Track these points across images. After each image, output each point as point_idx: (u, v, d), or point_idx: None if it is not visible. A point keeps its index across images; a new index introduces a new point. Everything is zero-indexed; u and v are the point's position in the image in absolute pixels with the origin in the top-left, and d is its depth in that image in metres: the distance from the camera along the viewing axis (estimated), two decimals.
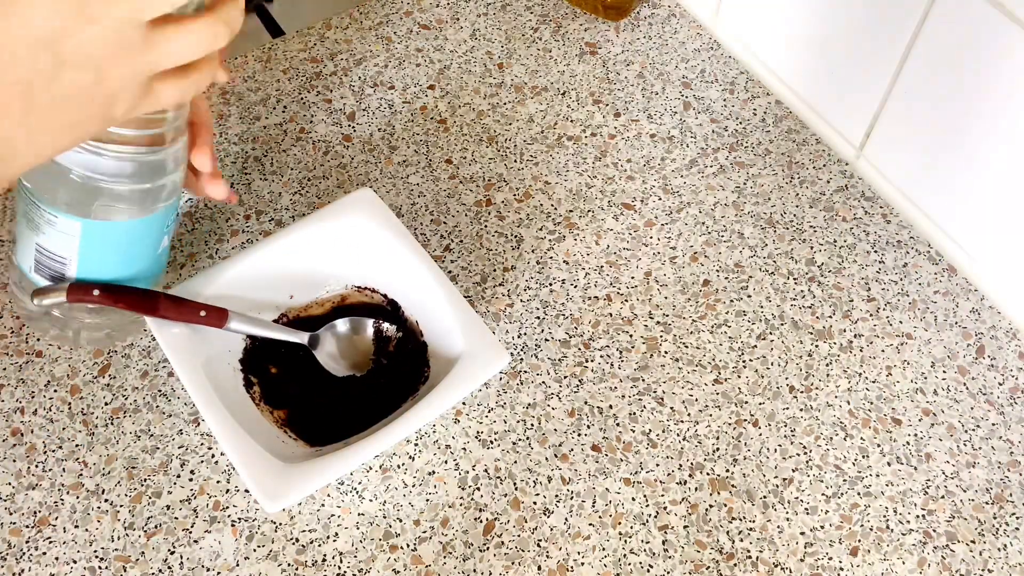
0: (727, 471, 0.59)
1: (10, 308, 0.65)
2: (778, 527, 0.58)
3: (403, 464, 0.59)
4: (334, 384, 0.60)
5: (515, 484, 0.59)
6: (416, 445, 0.60)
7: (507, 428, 0.61)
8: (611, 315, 0.66)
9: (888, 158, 0.71)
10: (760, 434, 0.61)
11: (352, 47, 0.80)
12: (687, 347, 0.64)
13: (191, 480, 0.58)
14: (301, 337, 0.60)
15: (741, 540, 0.57)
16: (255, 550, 0.56)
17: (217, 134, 0.74)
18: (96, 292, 0.54)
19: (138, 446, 0.59)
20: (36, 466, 0.58)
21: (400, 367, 0.61)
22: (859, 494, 0.59)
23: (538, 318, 0.65)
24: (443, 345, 0.59)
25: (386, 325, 0.62)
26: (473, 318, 0.58)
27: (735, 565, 0.56)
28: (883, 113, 0.69)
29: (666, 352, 0.64)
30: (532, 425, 0.61)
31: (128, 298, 0.55)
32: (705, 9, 0.82)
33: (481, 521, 0.57)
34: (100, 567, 0.55)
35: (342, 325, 0.61)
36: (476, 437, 0.60)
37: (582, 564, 0.56)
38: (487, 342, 0.57)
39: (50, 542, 0.56)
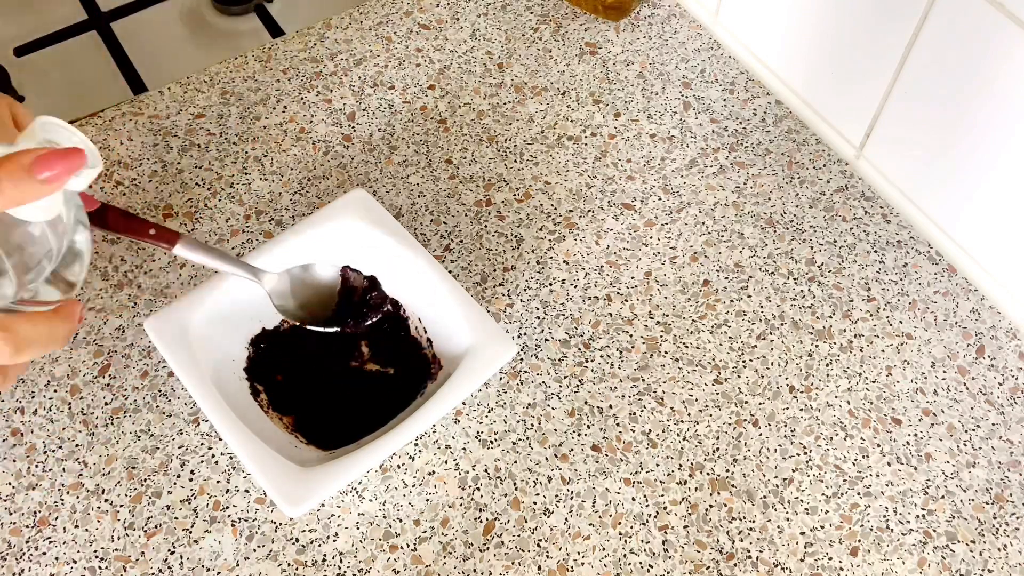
0: (727, 471, 0.59)
1: None
2: (778, 527, 0.58)
3: (403, 464, 0.59)
4: (342, 388, 0.60)
5: (515, 484, 0.59)
6: (416, 445, 0.60)
7: (507, 428, 0.61)
8: (611, 315, 0.66)
9: (888, 158, 0.71)
10: (760, 434, 0.61)
11: (352, 47, 0.80)
12: (687, 347, 0.64)
13: (191, 480, 0.58)
14: (258, 276, 0.56)
15: (741, 540, 0.57)
16: (255, 550, 0.56)
17: (217, 134, 0.74)
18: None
19: (138, 446, 0.59)
20: (36, 466, 0.58)
21: (405, 365, 0.61)
22: (859, 494, 0.59)
23: (538, 318, 0.65)
24: (448, 339, 0.59)
25: (353, 274, 0.59)
26: (477, 311, 0.58)
27: (735, 565, 0.56)
28: (883, 113, 0.69)
29: (666, 352, 0.64)
30: (532, 425, 0.61)
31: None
32: (705, 9, 0.82)
33: (481, 521, 0.57)
34: (100, 567, 0.55)
35: (297, 269, 0.58)
36: (476, 437, 0.60)
37: (582, 564, 0.56)
38: (494, 334, 0.57)
39: (50, 542, 0.56)
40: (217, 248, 0.54)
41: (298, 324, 0.57)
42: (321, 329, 0.58)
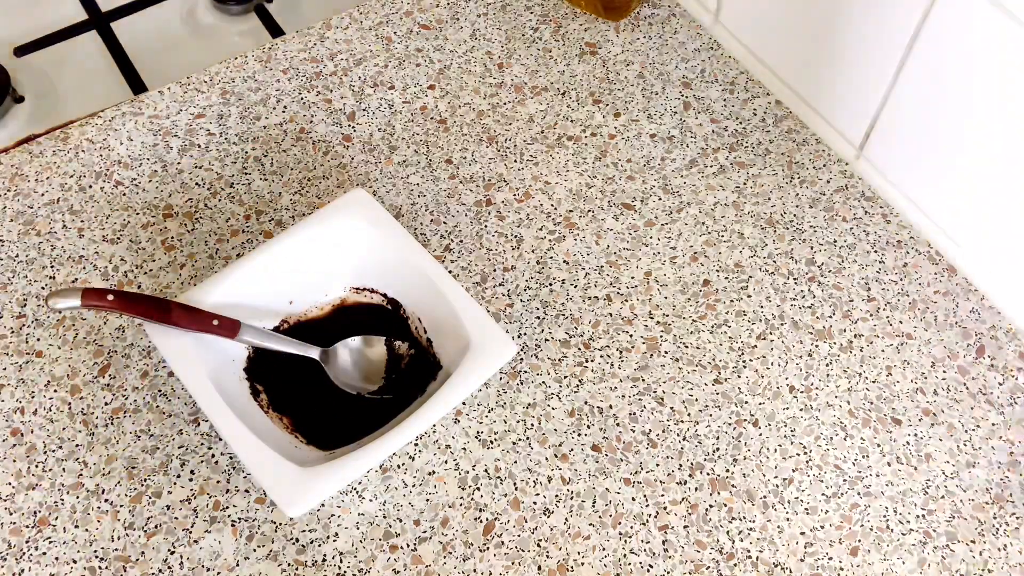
0: (727, 471, 0.60)
1: (9, 308, 0.65)
2: (778, 527, 0.58)
3: (403, 464, 0.59)
4: (341, 389, 0.60)
5: (515, 484, 0.59)
6: (416, 445, 0.60)
7: (507, 428, 0.61)
8: (611, 315, 0.66)
9: (888, 158, 0.71)
10: (760, 434, 0.61)
11: (352, 47, 0.80)
12: (687, 347, 0.64)
13: (191, 480, 0.58)
14: (312, 352, 0.60)
15: (741, 540, 0.57)
16: (255, 550, 0.56)
17: (217, 134, 0.74)
18: (110, 297, 0.54)
19: (138, 446, 0.59)
20: (36, 466, 0.58)
21: (408, 369, 0.61)
22: (859, 494, 0.59)
23: (538, 318, 0.65)
24: (448, 340, 0.59)
25: (399, 343, 0.61)
26: (477, 310, 0.58)
27: (735, 565, 0.56)
28: (883, 113, 0.69)
29: (666, 352, 0.64)
30: (532, 425, 0.61)
31: (141, 305, 0.55)
32: (705, 9, 0.82)
33: (481, 521, 0.57)
34: (100, 567, 0.55)
35: (353, 342, 0.61)
36: (476, 437, 0.60)
37: (582, 564, 0.56)
38: (494, 334, 0.57)
39: (50, 542, 0.56)
40: (271, 332, 0.60)
41: (355, 395, 0.60)
42: (378, 397, 0.60)
